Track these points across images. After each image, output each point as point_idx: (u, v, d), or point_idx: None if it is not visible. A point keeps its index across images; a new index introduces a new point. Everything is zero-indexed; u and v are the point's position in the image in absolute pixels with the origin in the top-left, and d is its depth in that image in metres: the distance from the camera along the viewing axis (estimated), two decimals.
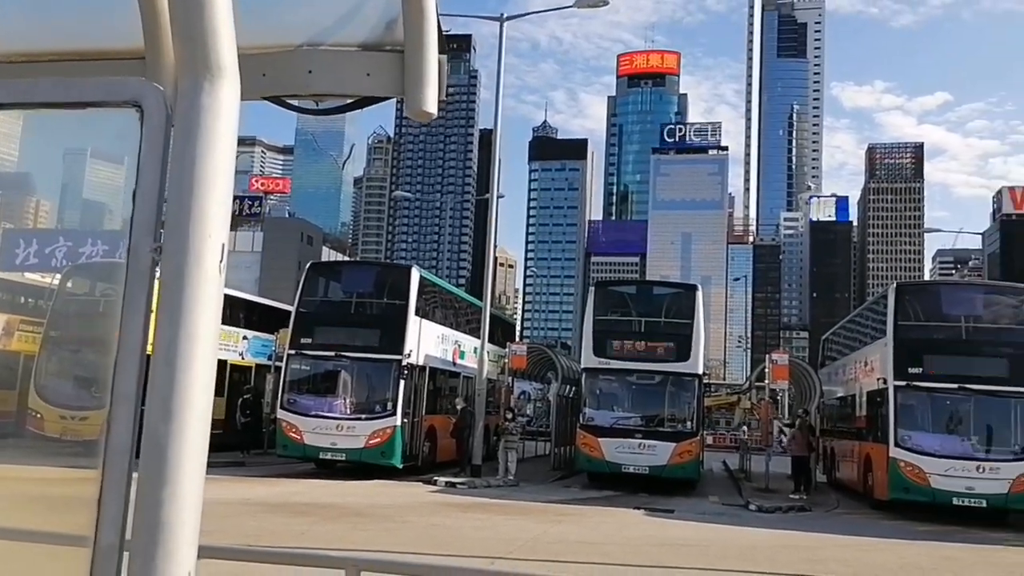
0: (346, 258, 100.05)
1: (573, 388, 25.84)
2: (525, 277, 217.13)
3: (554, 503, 17.68)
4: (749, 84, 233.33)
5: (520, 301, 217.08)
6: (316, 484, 18.65)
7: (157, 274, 1.36)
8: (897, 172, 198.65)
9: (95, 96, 1.42)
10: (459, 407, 23.41)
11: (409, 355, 20.64)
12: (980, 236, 72.85)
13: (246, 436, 24.41)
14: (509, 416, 23.07)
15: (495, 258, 34.64)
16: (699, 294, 22.94)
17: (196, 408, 1.34)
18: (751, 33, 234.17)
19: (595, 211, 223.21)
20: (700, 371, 21.82)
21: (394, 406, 20.24)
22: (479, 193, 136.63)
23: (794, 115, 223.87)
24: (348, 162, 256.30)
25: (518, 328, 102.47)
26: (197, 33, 1.38)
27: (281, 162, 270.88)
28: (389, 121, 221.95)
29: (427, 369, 22.29)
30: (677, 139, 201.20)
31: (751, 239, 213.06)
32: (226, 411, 23.93)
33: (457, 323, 26.30)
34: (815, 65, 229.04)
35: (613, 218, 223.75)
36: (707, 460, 26.22)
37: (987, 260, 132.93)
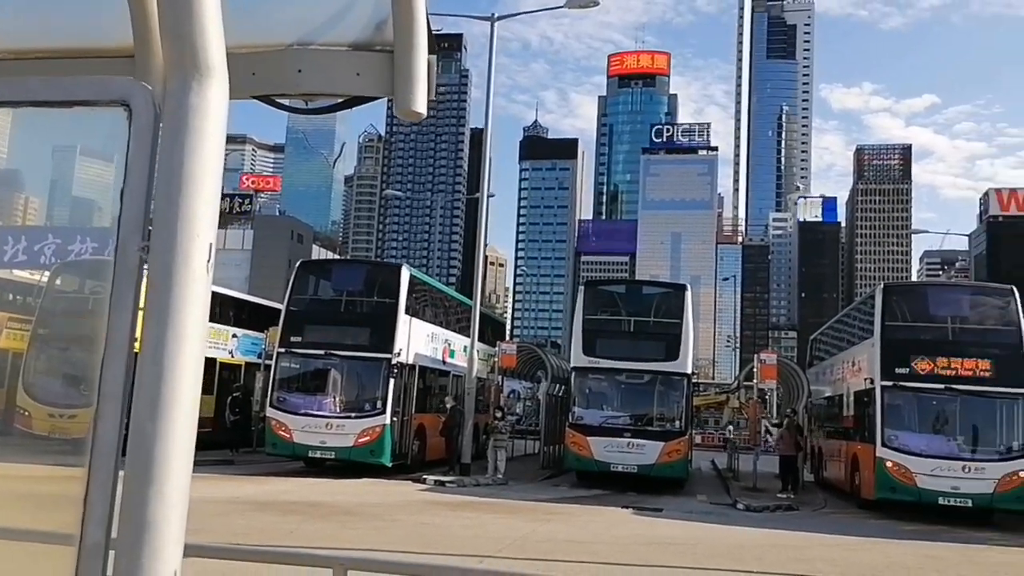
0: (336, 256, 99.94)
1: (562, 387, 25.87)
2: (515, 276, 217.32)
3: (543, 502, 17.69)
4: (739, 85, 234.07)
5: (510, 300, 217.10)
6: (305, 482, 18.62)
7: (145, 272, 1.37)
8: (885, 173, 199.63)
9: (84, 95, 1.42)
10: (449, 406, 23.39)
11: (399, 354, 20.62)
12: (967, 238, 73.11)
13: (235, 434, 24.39)
14: (498, 415, 23.10)
15: (485, 257, 34.61)
16: (688, 294, 23.02)
17: (183, 407, 1.34)
18: (741, 34, 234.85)
19: (585, 210, 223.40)
20: (689, 370, 21.89)
21: (384, 405, 20.21)
22: (470, 192, 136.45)
23: (783, 116, 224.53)
24: (339, 160, 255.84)
25: (508, 327, 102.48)
26: (185, 32, 1.38)
27: (272, 160, 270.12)
28: (380, 120, 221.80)
29: (417, 368, 22.27)
30: (667, 139, 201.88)
31: (740, 239, 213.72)
32: (215, 409, 23.90)
33: (447, 322, 26.29)
34: (804, 67, 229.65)
35: (603, 218, 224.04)
36: (695, 459, 26.32)
37: (973, 261, 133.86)
